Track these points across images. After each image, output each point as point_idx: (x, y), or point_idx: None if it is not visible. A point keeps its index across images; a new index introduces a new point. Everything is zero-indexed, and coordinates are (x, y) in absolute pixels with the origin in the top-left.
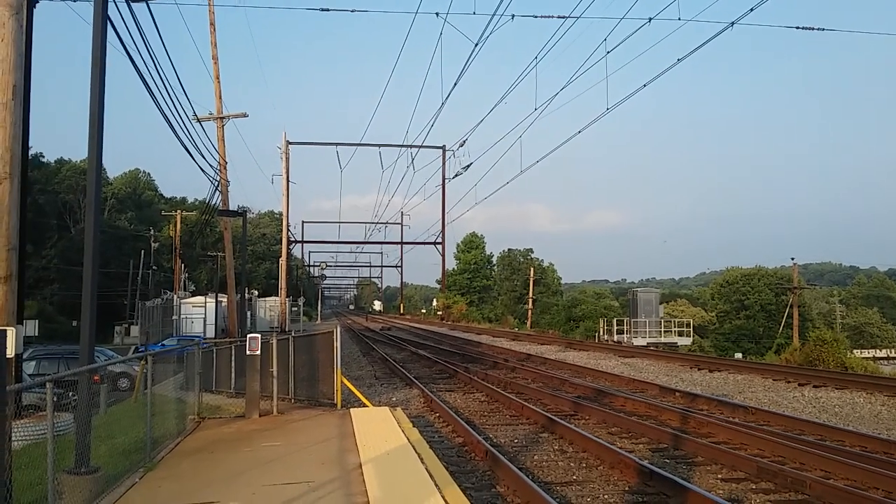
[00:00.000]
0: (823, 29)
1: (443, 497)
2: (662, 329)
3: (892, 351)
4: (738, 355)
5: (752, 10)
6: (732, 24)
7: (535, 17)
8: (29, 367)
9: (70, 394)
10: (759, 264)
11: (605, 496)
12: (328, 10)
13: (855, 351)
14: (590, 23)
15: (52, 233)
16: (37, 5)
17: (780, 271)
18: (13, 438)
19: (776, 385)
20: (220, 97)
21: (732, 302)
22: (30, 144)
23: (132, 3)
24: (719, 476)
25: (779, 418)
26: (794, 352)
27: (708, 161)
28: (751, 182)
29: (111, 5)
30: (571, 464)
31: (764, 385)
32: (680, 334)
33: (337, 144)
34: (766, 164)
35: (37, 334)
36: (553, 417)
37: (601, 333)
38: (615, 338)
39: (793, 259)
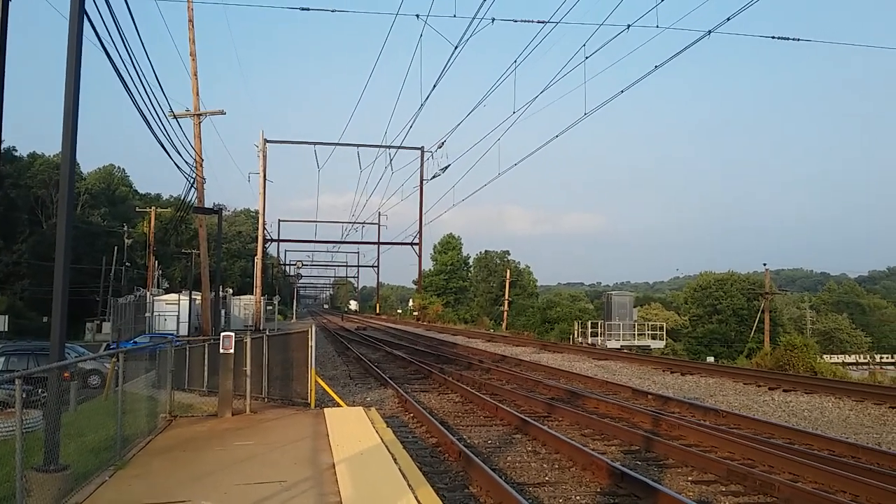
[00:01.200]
0: (799, 39)
1: (416, 497)
2: (636, 332)
3: (861, 356)
4: (710, 359)
5: (728, 19)
6: (710, 32)
7: (515, 21)
8: None
9: (40, 390)
10: (732, 269)
11: (577, 497)
12: (308, 9)
13: (825, 356)
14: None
15: (24, 227)
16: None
17: (752, 276)
18: None
19: (747, 389)
20: (198, 94)
21: (705, 306)
22: (2, 138)
23: None
24: (690, 478)
25: (749, 422)
26: (765, 356)
27: (683, 166)
28: (725, 188)
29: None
30: (544, 465)
31: (735, 389)
32: (653, 337)
33: (315, 143)
34: (741, 170)
35: (6, 329)
36: (527, 419)
37: (576, 336)
38: (589, 340)
39: (765, 265)
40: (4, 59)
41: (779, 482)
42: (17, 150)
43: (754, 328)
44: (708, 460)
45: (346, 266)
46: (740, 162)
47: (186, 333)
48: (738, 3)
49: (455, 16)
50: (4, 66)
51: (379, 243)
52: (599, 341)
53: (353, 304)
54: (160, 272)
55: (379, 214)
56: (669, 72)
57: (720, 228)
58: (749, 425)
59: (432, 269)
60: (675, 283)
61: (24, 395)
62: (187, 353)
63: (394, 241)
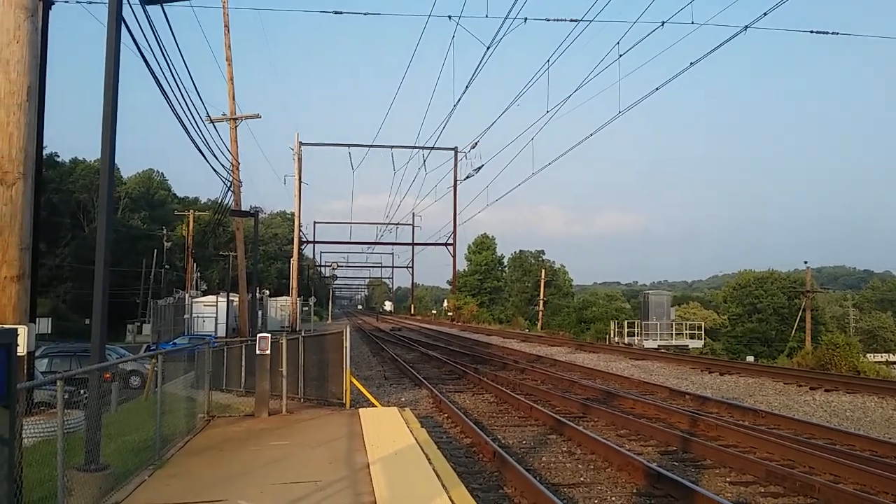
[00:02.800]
0: (838, 33)
1: (450, 498)
2: (674, 331)
3: None
4: (750, 358)
5: (765, 14)
6: (746, 27)
7: (548, 20)
8: (41, 365)
9: (81, 391)
10: (773, 267)
11: (613, 498)
12: (341, 12)
13: (868, 355)
14: (603, 26)
15: (66, 232)
16: (52, 7)
17: (793, 275)
18: (24, 435)
19: (787, 389)
20: (234, 98)
21: (745, 305)
22: (44, 144)
23: (146, 5)
24: (728, 479)
25: (789, 422)
26: (807, 355)
27: (721, 163)
28: (765, 184)
29: (126, 7)
30: (579, 465)
31: (775, 388)
32: (691, 337)
33: (349, 146)
34: (781, 167)
35: (50, 332)
36: (562, 419)
37: (612, 335)
38: (626, 340)
39: (806, 262)
40: (45, 67)
41: (819, 483)
42: (59, 156)
43: (795, 327)
44: (747, 461)
45: (381, 267)
46: (781, 157)
47: (224, 335)
48: None
49: (487, 16)
50: (46, 75)
51: (413, 244)
52: (636, 341)
53: (388, 305)
54: (198, 274)
55: (413, 215)
56: (705, 67)
57: (760, 226)
58: (789, 425)
59: (467, 269)
60: (713, 282)
61: (66, 396)
62: (225, 354)
63: (428, 241)
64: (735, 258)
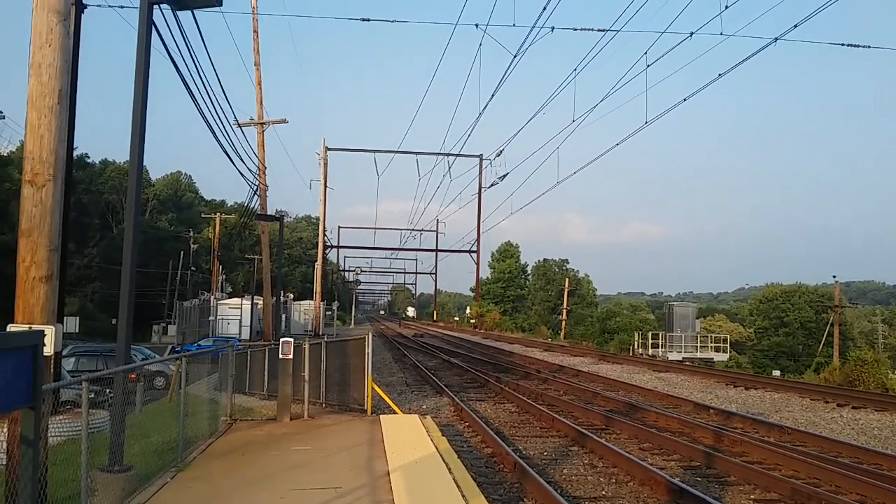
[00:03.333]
0: (869, 46)
1: None
2: (699, 344)
3: None
4: (776, 373)
5: (796, 26)
6: (776, 39)
7: (575, 29)
8: (68, 364)
9: (107, 390)
10: (800, 281)
11: None
12: (369, 20)
13: None
14: (630, 36)
15: (95, 232)
16: (84, 11)
17: (821, 288)
18: (50, 434)
19: (814, 405)
20: (262, 103)
21: (771, 318)
22: (75, 145)
23: (177, 10)
24: (752, 496)
25: (815, 439)
26: (834, 371)
27: (748, 175)
28: (793, 197)
29: (156, 11)
30: (601, 479)
31: (801, 404)
32: (716, 350)
33: (375, 151)
34: (810, 180)
35: (77, 331)
36: (584, 431)
37: (636, 347)
38: (650, 352)
39: (834, 277)
40: (77, 71)
41: (845, 503)
42: (89, 158)
43: (823, 342)
44: (771, 478)
45: (404, 273)
46: (810, 169)
47: (248, 337)
48: (805, 10)
49: (514, 25)
50: (77, 79)
51: (437, 250)
52: (660, 353)
53: (411, 311)
54: (224, 277)
55: (437, 222)
56: (734, 78)
57: (788, 238)
58: (815, 443)
59: (490, 276)
60: (739, 294)
61: (91, 396)
62: (248, 357)
63: (452, 248)
64: (762, 271)
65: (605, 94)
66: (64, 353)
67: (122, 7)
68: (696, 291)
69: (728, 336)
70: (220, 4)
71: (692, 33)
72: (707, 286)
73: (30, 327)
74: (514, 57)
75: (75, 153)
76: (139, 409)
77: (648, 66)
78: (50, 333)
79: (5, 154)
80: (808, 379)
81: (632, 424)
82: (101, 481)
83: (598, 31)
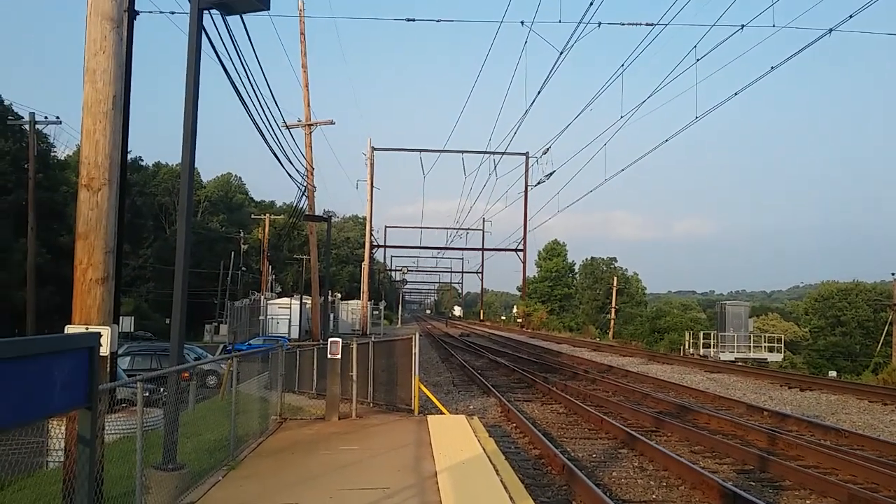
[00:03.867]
0: None
1: None
2: (752, 344)
3: None
4: (833, 374)
5: (851, 16)
6: (830, 30)
7: (622, 24)
8: (124, 363)
9: (161, 389)
10: (857, 279)
11: None
12: (414, 19)
13: None
14: (679, 30)
15: (149, 233)
16: (137, 18)
17: (879, 286)
18: (106, 432)
19: (872, 407)
20: (309, 104)
21: (827, 317)
22: (129, 149)
23: (226, 15)
24: (808, 502)
25: (874, 443)
26: (893, 372)
27: (803, 170)
28: (849, 192)
29: (206, 16)
30: (651, 482)
31: (859, 406)
32: (770, 350)
33: (420, 151)
34: (865, 174)
35: (132, 330)
36: (633, 433)
37: (687, 347)
38: (701, 352)
39: (893, 274)
40: (130, 76)
41: None
42: (142, 161)
43: (881, 342)
44: (828, 483)
45: (451, 272)
46: (866, 166)
47: (297, 337)
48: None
49: (560, 21)
50: (130, 84)
51: (483, 249)
52: (712, 353)
53: (457, 310)
54: (273, 277)
55: (483, 220)
56: (787, 71)
57: (843, 235)
58: (873, 446)
59: (537, 275)
60: (794, 293)
61: (145, 395)
62: (297, 356)
63: (498, 247)
64: (817, 268)
65: (654, 90)
66: (119, 352)
67: (172, 13)
68: (749, 290)
69: (782, 336)
70: (268, 8)
71: (743, 26)
72: (761, 284)
73: (87, 328)
74: (561, 53)
75: (129, 157)
76: (192, 407)
77: (698, 60)
78: (106, 334)
79: (62, 158)
80: (866, 380)
81: (683, 427)
82: (155, 479)
83: (647, 25)
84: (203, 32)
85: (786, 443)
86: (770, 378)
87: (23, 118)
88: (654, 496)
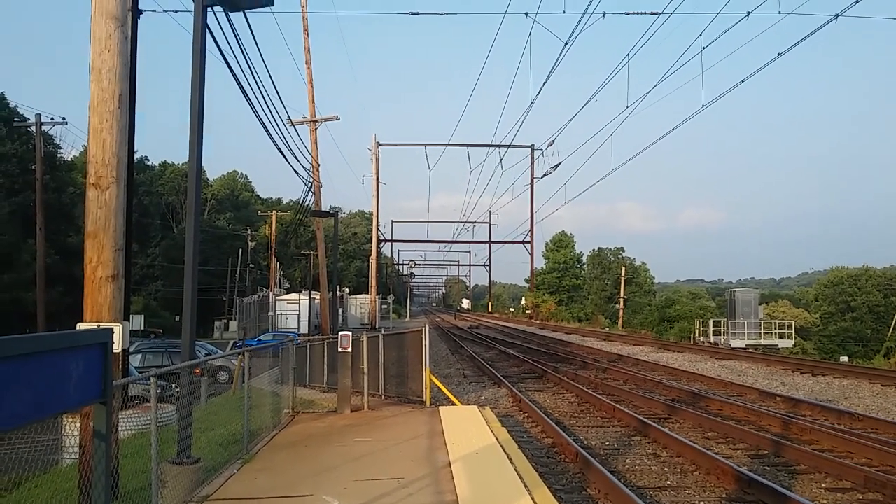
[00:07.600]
0: None
1: (532, 498)
2: (762, 331)
3: None
4: (844, 359)
5: (857, 1)
6: (837, 16)
7: (627, 13)
8: (135, 360)
9: (173, 385)
10: (867, 264)
11: (702, 503)
12: (417, 13)
13: None
14: (684, 18)
15: (157, 232)
16: (141, 16)
17: (889, 271)
18: (120, 428)
19: (885, 391)
20: (314, 101)
21: (838, 303)
22: (135, 149)
23: (230, 12)
24: (823, 485)
25: (888, 426)
26: None
27: (810, 157)
28: (857, 178)
29: (210, 14)
30: (665, 468)
31: (872, 391)
32: (781, 336)
33: (426, 145)
34: (873, 158)
35: (142, 328)
36: (646, 420)
37: (696, 335)
38: (711, 339)
39: None
40: (135, 75)
41: None
42: (149, 160)
43: (893, 326)
44: (843, 467)
45: (458, 265)
46: (873, 148)
47: (307, 332)
48: None
49: (565, 12)
50: (136, 83)
51: (490, 242)
52: (722, 340)
53: (466, 303)
54: (281, 273)
55: (490, 213)
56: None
57: (852, 221)
58: (888, 430)
59: (545, 267)
60: (803, 279)
61: (158, 391)
62: (308, 351)
63: (505, 239)
64: (826, 254)
65: (660, 79)
66: (131, 349)
67: (176, 11)
68: (757, 277)
69: (793, 322)
70: (273, 4)
71: (749, 13)
72: (769, 272)
73: (98, 325)
74: (565, 45)
75: (136, 156)
76: (204, 403)
77: (704, 48)
78: (118, 331)
79: (69, 159)
80: (878, 364)
81: (695, 413)
82: (171, 473)
83: (651, 13)
84: (207, 30)
85: (799, 427)
86: (781, 364)
87: (29, 120)
88: (668, 482)
